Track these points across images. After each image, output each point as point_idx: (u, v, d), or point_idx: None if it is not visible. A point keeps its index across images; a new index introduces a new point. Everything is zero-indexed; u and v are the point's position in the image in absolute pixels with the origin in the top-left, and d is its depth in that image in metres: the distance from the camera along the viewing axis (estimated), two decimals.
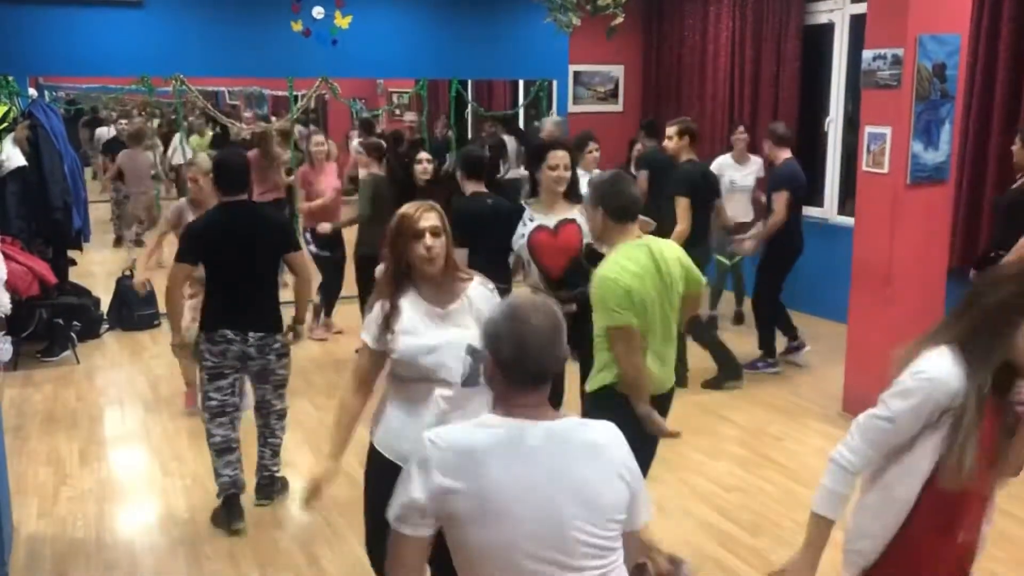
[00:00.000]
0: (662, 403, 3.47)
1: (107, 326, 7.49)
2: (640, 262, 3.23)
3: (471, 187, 4.98)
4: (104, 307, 7.59)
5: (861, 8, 6.27)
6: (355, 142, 9.60)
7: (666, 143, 6.01)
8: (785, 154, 6.35)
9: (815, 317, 7.50)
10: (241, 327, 4.09)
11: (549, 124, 7.13)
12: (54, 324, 6.73)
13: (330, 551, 3.99)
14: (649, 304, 3.23)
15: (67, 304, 6.94)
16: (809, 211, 7.65)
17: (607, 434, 1.88)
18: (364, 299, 6.38)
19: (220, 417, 4.17)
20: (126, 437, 5.40)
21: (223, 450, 4.19)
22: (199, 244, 4.12)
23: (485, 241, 4.41)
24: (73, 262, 7.83)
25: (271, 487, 4.45)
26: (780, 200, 6.11)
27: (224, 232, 4.11)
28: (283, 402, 4.40)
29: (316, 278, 6.23)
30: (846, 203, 7.43)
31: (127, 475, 4.86)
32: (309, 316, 6.49)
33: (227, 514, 4.17)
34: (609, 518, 1.82)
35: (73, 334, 6.83)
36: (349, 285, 6.88)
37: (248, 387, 4.51)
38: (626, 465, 1.86)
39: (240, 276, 4.11)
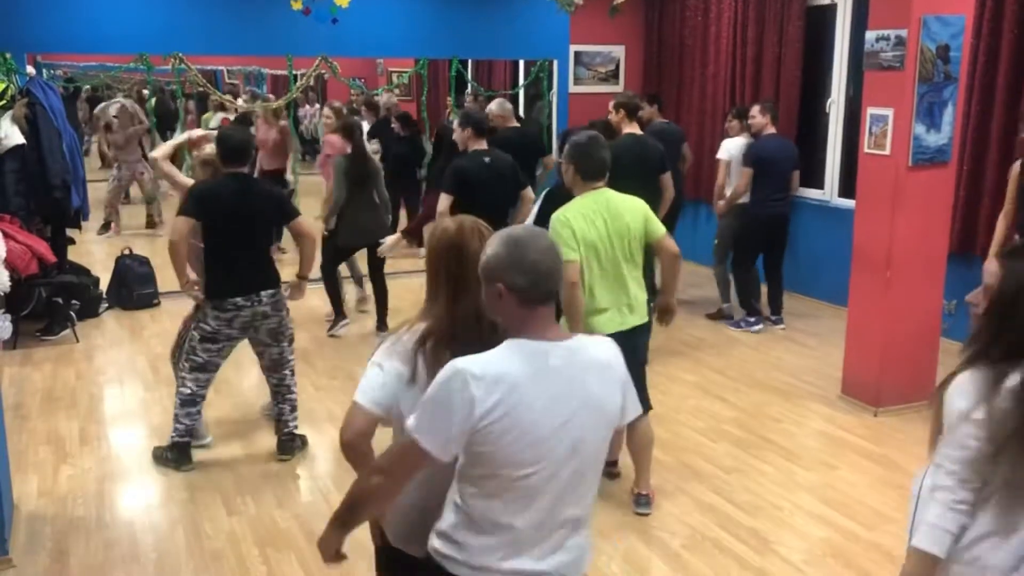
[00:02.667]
0: (625, 341, 3.58)
1: (106, 305, 7.49)
2: (594, 208, 3.76)
3: (473, 144, 5.36)
4: (103, 286, 7.58)
5: None
6: (364, 123, 9.62)
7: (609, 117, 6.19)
8: (771, 128, 6.66)
9: (815, 300, 7.51)
10: (252, 290, 4.38)
11: (495, 107, 7.07)
12: (53, 303, 6.73)
13: None
14: (600, 244, 3.74)
15: (66, 283, 6.93)
16: (810, 193, 7.64)
17: (610, 351, 2.08)
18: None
19: (200, 372, 4.48)
20: (126, 416, 5.40)
21: (188, 402, 4.51)
22: (201, 204, 4.36)
23: (481, 198, 4.50)
24: (72, 241, 7.82)
25: (292, 443, 4.70)
26: (744, 174, 6.64)
27: (224, 200, 4.36)
28: (293, 355, 4.71)
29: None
30: (847, 185, 7.41)
31: (127, 453, 4.87)
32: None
33: (177, 457, 4.55)
34: (608, 425, 2.04)
35: (72, 313, 6.82)
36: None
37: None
38: (624, 378, 2.08)
39: (239, 244, 4.38)
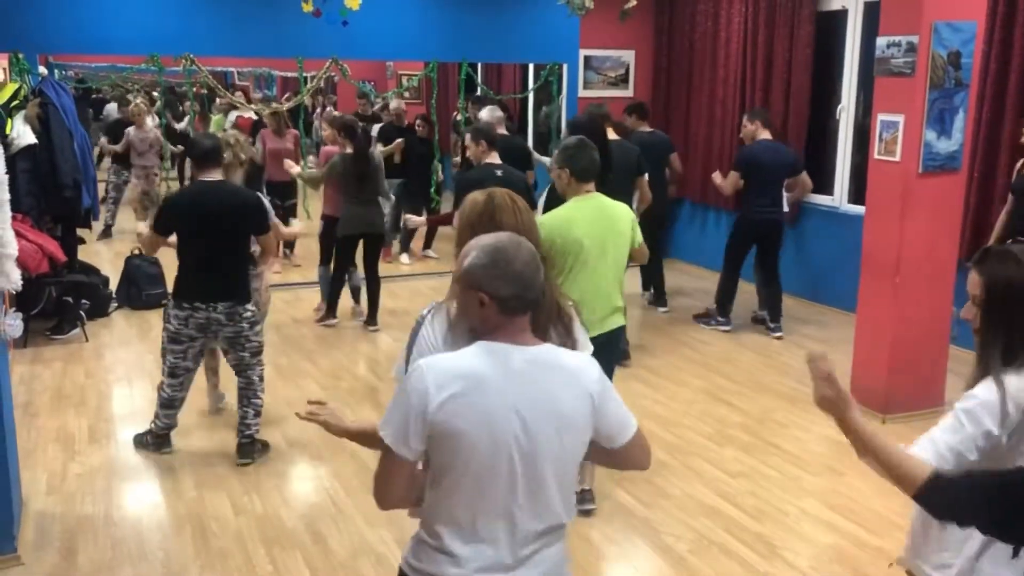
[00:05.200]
0: (607, 342, 3.84)
1: (116, 304, 7.52)
2: (583, 211, 3.86)
3: (485, 158, 5.41)
4: (113, 286, 7.61)
5: None
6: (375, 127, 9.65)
7: None
8: (763, 134, 6.69)
9: (824, 305, 7.49)
10: (210, 298, 4.43)
11: (485, 113, 7.08)
12: (63, 302, 6.76)
13: (336, 530, 4.01)
14: (592, 248, 3.81)
15: (76, 282, 6.97)
16: (819, 199, 7.63)
17: (581, 361, 2.03)
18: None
19: (172, 377, 4.63)
20: (134, 414, 5.42)
21: (167, 404, 4.70)
22: (172, 216, 4.48)
23: None
24: (82, 240, 7.86)
25: (252, 447, 4.71)
26: (731, 177, 6.76)
27: (196, 207, 4.43)
28: (261, 365, 4.74)
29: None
30: (857, 191, 7.40)
31: (135, 452, 4.88)
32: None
33: (157, 443, 4.77)
34: (575, 433, 1.96)
35: (82, 312, 6.86)
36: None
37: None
38: (596, 389, 1.99)
39: (210, 249, 4.43)
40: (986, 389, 2.04)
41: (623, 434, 2.04)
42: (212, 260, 4.44)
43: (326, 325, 7.08)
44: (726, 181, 6.82)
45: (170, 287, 7.39)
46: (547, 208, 4.70)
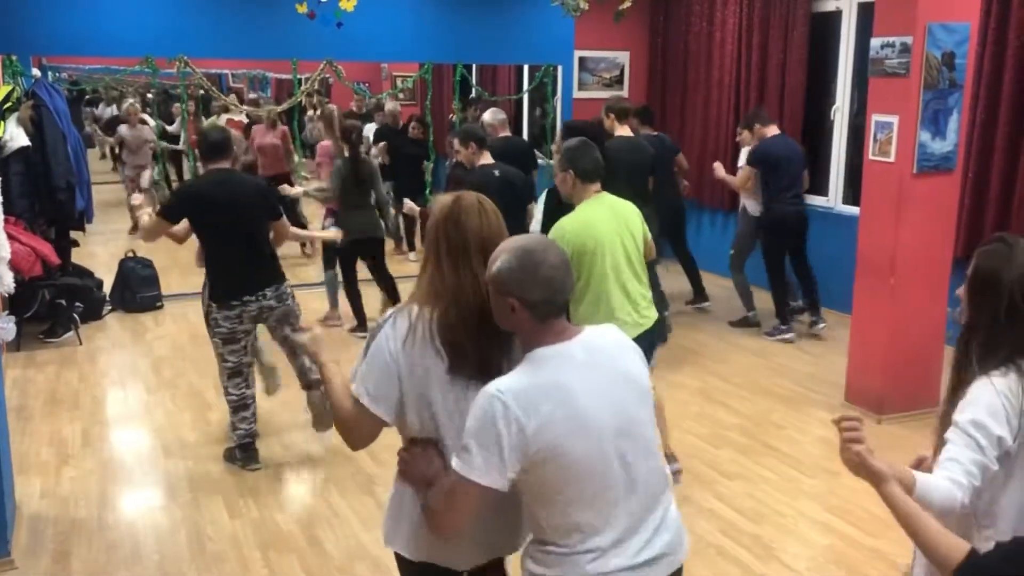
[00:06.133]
0: (641, 341, 3.73)
1: (109, 307, 7.50)
2: (598, 212, 3.86)
3: (478, 159, 5.36)
4: (107, 288, 7.59)
5: None
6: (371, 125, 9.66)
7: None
8: (772, 130, 6.68)
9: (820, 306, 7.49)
10: (258, 287, 4.44)
11: (488, 116, 7.07)
12: (57, 305, 6.74)
13: (332, 533, 4.00)
14: (610, 249, 3.81)
15: (70, 285, 6.94)
16: (814, 200, 7.63)
17: (617, 331, 2.11)
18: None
19: (236, 377, 4.56)
20: (128, 418, 5.40)
21: (239, 407, 4.59)
22: (183, 204, 4.47)
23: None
24: (76, 243, 7.83)
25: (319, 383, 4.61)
26: (746, 171, 6.72)
27: (210, 195, 4.41)
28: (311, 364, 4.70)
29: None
30: (852, 192, 7.40)
31: (129, 456, 4.87)
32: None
33: (244, 456, 4.62)
34: (645, 397, 2.03)
35: (76, 315, 6.83)
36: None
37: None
38: (637, 348, 2.10)
39: (236, 240, 4.40)
40: (985, 395, 2.01)
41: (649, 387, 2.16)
42: (246, 249, 4.42)
43: (361, 337, 6.81)
44: (738, 177, 6.79)
45: (165, 290, 7.55)
46: (547, 211, 4.68)
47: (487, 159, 5.41)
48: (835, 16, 7.48)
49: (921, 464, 2.38)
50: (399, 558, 2.24)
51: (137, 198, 5.02)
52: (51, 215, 6.89)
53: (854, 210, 6.57)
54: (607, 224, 3.84)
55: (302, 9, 7.07)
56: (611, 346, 2.02)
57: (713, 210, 8.78)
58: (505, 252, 1.93)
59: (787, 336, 6.73)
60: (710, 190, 8.58)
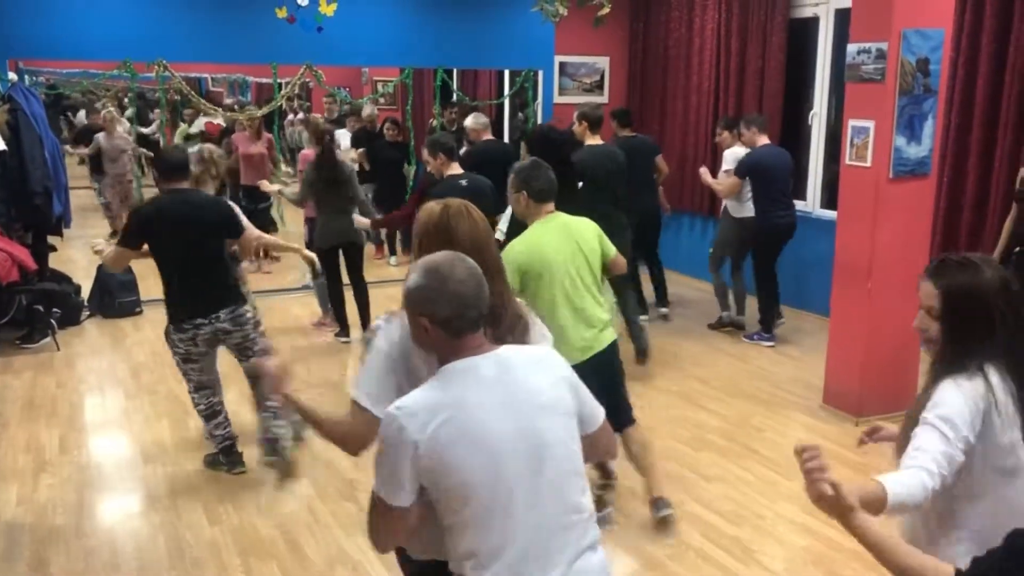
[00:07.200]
0: (601, 361, 3.79)
1: (88, 313, 7.44)
2: (549, 234, 3.75)
3: (446, 170, 5.31)
4: (85, 294, 7.53)
5: (846, 2, 6.28)
6: (344, 130, 9.62)
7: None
8: (762, 139, 6.64)
9: (798, 310, 7.54)
10: (210, 309, 4.34)
11: (470, 120, 7.07)
12: (34, 310, 6.67)
13: (312, 539, 3.98)
14: (564, 269, 3.71)
15: (47, 290, 6.88)
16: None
17: (544, 350, 2.09)
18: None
19: (202, 390, 4.53)
20: (107, 424, 5.36)
21: (209, 416, 4.57)
22: (141, 229, 4.33)
23: None
24: (53, 248, 7.77)
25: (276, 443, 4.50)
26: (730, 181, 6.67)
27: (168, 216, 4.31)
28: None
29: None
30: (829, 197, 7.47)
31: (107, 462, 4.83)
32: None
33: (228, 460, 4.61)
34: (566, 417, 1.96)
35: (53, 321, 6.77)
36: None
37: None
38: (567, 373, 2.02)
39: (194, 260, 4.33)
40: (951, 396, 2.04)
41: (596, 415, 2.08)
42: (200, 271, 4.33)
43: (344, 342, 6.81)
44: (724, 185, 6.74)
45: (144, 295, 7.49)
46: (513, 221, 4.59)
47: (456, 169, 5.36)
48: (813, 22, 7.55)
49: (876, 433, 2.45)
50: (402, 556, 2.25)
51: (99, 244, 4.80)
52: (28, 220, 6.83)
53: (832, 214, 6.63)
54: (558, 246, 3.74)
55: (282, 13, 7.08)
56: (527, 363, 1.96)
57: (693, 214, 8.83)
58: (414, 271, 1.94)
59: (769, 344, 6.75)
60: (691, 194, 8.64)
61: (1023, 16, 5.78)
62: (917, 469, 1.96)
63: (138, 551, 3.90)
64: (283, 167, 9.34)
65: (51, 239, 7.55)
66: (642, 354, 6.11)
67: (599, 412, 2.10)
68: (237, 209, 4.72)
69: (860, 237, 5.14)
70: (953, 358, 2.10)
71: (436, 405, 1.84)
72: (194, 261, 4.33)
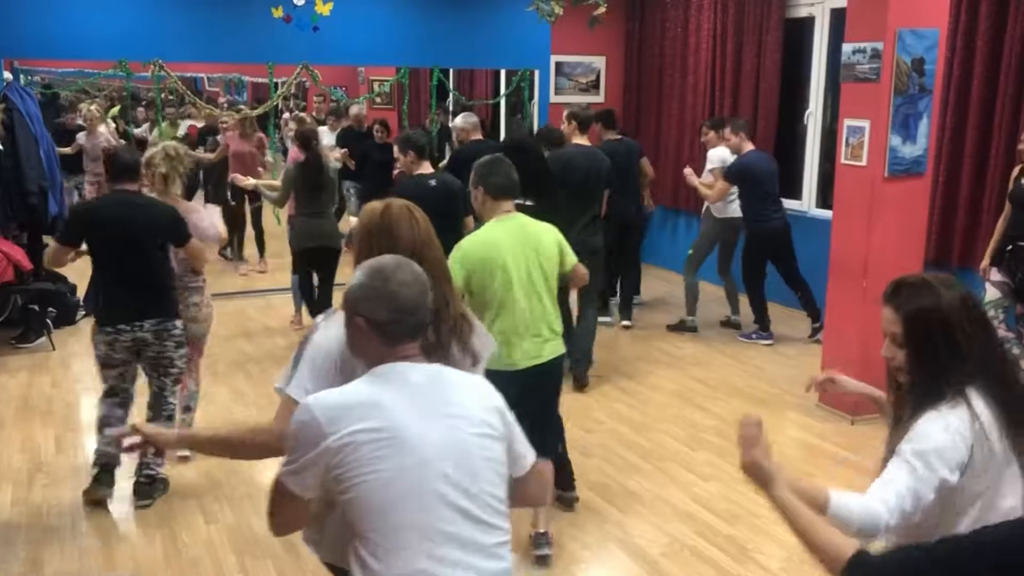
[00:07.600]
0: (540, 374, 3.66)
1: (83, 313, 7.41)
2: (504, 233, 3.57)
3: (416, 168, 5.21)
4: (80, 293, 7.51)
5: (841, 2, 6.30)
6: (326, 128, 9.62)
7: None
8: (748, 145, 6.61)
9: (793, 309, 7.55)
10: (134, 317, 4.14)
11: (460, 120, 7.04)
12: (29, 310, 6.67)
13: None
14: (514, 272, 3.53)
15: (42, 290, 6.87)
16: (788, 204, 7.68)
17: (480, 380, 2.01)
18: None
19: (109, 396, 4.28)
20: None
21: (101, 426, 4.26)
22: (76, 225, 4.27)
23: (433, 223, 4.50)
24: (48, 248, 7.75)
25: (152, 487, 4.33)
26: (718, 186, 6.64)
27: (105, 218, 4.18)
28: (175, 399, 4.42)
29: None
30: (824, 196, 7.48)
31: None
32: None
33: (92, 480, 4.24)
34: (491, 439, 1.86)
35: (48, 320, 6.76)
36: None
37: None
38: (500, 404, 1.94)
39: (127, 264, 4.16)
40: (936, 431, 1.97)
41: (527, 457, 1.98)
42: (131, 276, 4.15)
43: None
44: (713, 190, 6.66)
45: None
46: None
47: (426, 168, 5.22)
48: (808, 22, 7.56)
49: (830, 383, 2.52)
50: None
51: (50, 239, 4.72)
52: (23, 220, 6.82)
53: (827, 214, 6.64)
54: (512, 247, 3.55)
55: (278, 13, 7.07)
56: (460, 382, 1.91)
57: (688, 213, 8.83)
58: (358, 270, 1.91)
59: (767, 342, 6.77)
60: (686, 194, 8.63)
61: (1018, 16, 5.79)
62: (875, 500, 1.93)
63: (134, 550, 3.89)
64: (279, 163, 9.31)
65: (46, 239, 7.53)
66: (578, 381, 5.77)
67: (530, 453, 1.99)
68: (198, 217, 4.57)
69: (855, 236, 5.15)
70: (929, 386, 2.03)
71: (356, 403, 1.79)
72: (127, 264, 4.15)
